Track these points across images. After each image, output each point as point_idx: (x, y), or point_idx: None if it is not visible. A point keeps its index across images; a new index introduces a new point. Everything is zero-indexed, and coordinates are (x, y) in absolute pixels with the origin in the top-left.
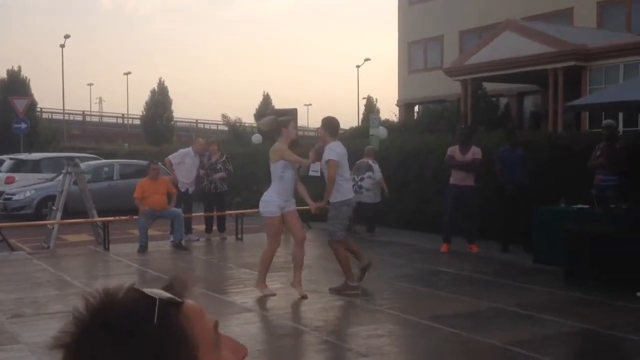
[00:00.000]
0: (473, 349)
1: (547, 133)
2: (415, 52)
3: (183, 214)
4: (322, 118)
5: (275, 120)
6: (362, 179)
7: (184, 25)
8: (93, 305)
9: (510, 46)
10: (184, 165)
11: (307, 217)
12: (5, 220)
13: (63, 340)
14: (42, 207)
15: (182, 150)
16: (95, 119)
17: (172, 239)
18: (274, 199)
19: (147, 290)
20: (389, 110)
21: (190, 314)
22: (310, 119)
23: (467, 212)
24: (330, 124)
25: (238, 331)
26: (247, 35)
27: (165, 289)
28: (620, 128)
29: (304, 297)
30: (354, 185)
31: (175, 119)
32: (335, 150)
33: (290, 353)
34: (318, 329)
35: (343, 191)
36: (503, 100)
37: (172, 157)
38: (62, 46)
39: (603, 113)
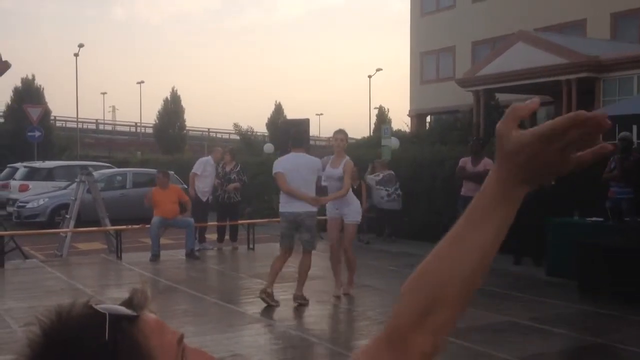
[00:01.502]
0: None
1: None
2: (428, 62)
3: (198, 223)
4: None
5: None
6: (396, 189)
7: (196, 34)
8: (46, 325)
9: (522, 57)
10: (205, 173)
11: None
12: (18, 228)
13: None
14: (55, 215)
15: (202, 159)
16: (109, 128)
17: (198, 247)
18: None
19: (100, 306)
20: (401, 121)
21: (147, 328)
22: (322, 129)
23: None
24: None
25: (249, 342)
26: (258, 44)
27: (125, 303)
28: (635, 140)
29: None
30: (391, 194)
31: (187, 128)
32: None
33: None
34: (329, 340)
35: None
36: None
37: (196, 169)
38: (76, 55)
39: (617, 125)
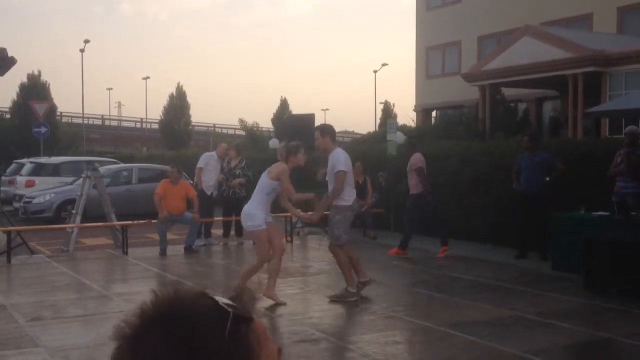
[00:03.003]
0: (491, 358)
1: (567, 139)
2: (433, 57)
3: (204, 218)
4: (317, 125)
5: (286, 147)
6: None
7: (202, 30)
8: (161, 300)
9: (529, 51)
10: (209, 167)
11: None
12: (25, 224)
13: (123, 331)
14: (61, 210)
15: (206, 154)
16: (114, 123)
17: (203, 242)
18: (259, 213)
19: (220, 300)
20: (406, 115)
21: (260, 334)
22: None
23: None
24: (330, 130)
25: None
26: (264, 40)
27: (233, 299)
28: None
29: (282, 303)
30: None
31: (193, 124)
32: (342, 160)
33: (307, 359)
34: (334, 335)
35: (348, 197)
36: (522, 106)
37: (200, 164)
38: (82, 51)
39: (623, 119)
